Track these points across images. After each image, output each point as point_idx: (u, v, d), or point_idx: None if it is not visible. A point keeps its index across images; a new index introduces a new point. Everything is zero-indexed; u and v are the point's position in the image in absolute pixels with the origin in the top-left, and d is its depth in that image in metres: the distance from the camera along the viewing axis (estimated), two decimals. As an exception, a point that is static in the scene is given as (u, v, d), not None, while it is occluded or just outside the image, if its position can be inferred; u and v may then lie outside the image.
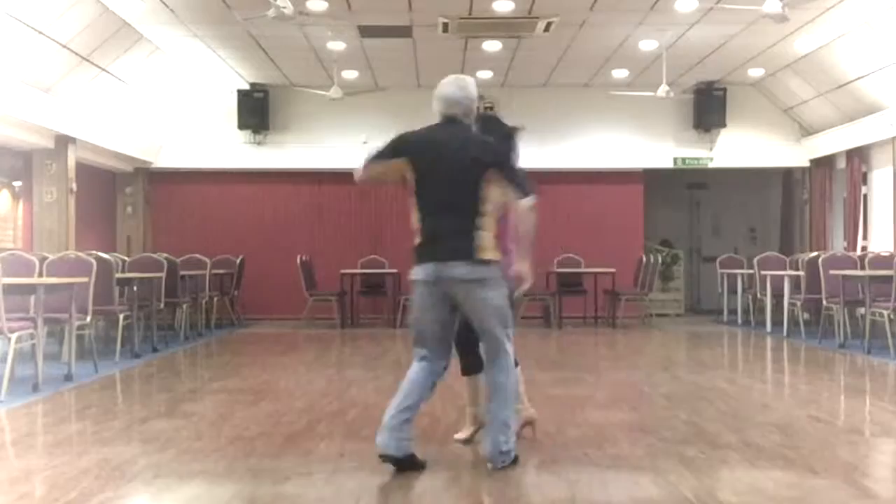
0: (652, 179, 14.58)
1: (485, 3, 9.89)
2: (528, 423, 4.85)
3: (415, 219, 4.29)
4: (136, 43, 11.22)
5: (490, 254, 4.19)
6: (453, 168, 4.21)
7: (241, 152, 14.24)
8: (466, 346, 4.56)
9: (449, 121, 4.40)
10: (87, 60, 10.70)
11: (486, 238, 4.18)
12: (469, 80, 4.49)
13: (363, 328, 12.75)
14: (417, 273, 4.27)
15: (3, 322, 6.25)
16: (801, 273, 10.77)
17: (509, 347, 4.27)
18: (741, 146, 14.27)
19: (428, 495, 3.88)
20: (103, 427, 5.30)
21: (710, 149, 14.31)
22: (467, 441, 4.75)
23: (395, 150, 4.37)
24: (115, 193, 14.36)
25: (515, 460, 4.23)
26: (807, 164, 14.27)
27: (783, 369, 8.84)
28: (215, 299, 12.28)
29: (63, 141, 11.26)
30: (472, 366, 4.68)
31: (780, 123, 14.34)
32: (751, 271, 12.54)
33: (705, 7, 9.82)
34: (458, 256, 4.16)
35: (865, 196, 12.79)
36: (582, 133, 14.03)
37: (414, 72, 13.07)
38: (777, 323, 11.51)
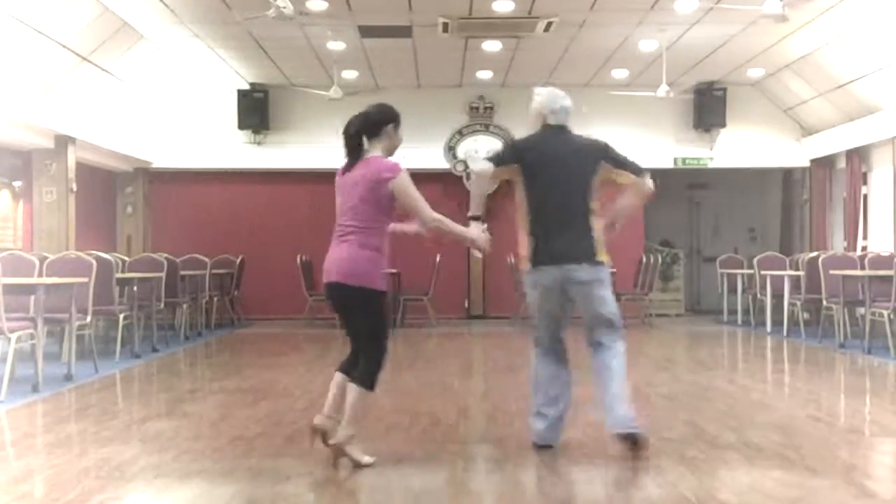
0: (652, 179, 14.54)
1: (485, 3, 9.89)
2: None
3: (525, 223, 4.57)
4: (136, 43, 11.23)
5: (603, 256, 4.49)
6: (573, 173, 4.47)
7: (241, 152, 14.23)
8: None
9: (560, 129, 4.62)
10: (87, 60, 10.70)
11: (598, 240, 4.47)
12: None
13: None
14: (539, 276, 4.51)
15: (3, 322, 6.25)
16: (801, 273, 10.77)
17: (621, 337, 4.53)
18: (741, 146, 14.27)
19: (428, 495, 3.88)
20: (103, 427, 5.30)
21: (711, 149, 14.31)
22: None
23: (513, 155, 4.61)
24: (115, 193, 14.37)
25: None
26: (807, 164, 14.27)
27: (783, 369, 8.84)
28: (215, 299, 12.27)
29: (63, 141, 11.26)
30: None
31: (780, 123, 14.34)
32: (751, 271, 12.54)
33: (705, 7, 9.82)
34: (581, 259, 4.42)
35: (865, 196, 12.79)
36: (582, 133, 13.99)
37: (414, 72, 13.08)
38: (777, 323, 11.51)
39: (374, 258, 4.24)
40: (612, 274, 4.78)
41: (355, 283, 4.22)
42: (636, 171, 4.60)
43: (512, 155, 4.62)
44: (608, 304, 4.49)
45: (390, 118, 4.41)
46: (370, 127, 4.37)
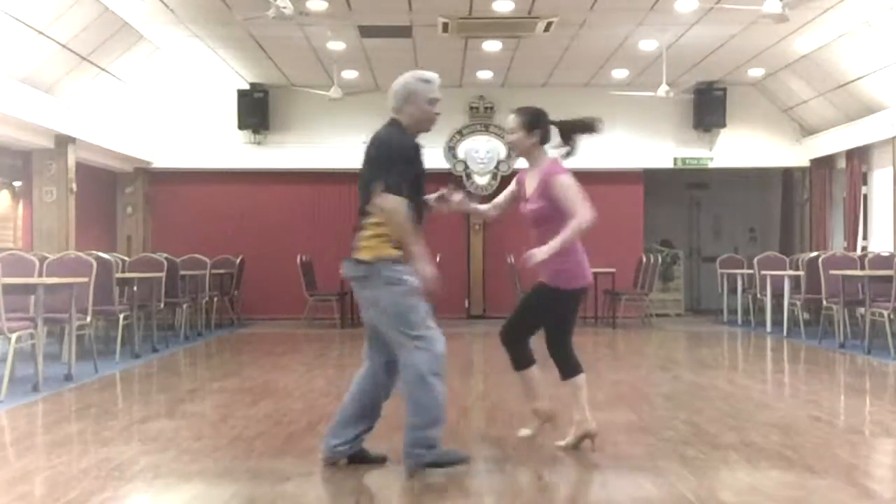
0: (652, 179, 14.58)
1: (485, 3, 9.89)
2: (587, 436, 4.60)
3: None
4: (136, 43, 11.22)
5: (364, 253, 4.11)
6: (362, 171, 4.25)
7: (241, 152, 14.23)
8: (513, 340, 4.64)
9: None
10: (87, 60, 10.70)
11: (363, 237, 4.12)
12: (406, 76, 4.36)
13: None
14: None
15: (3, 322, 6.25)
16: (801, 273, 10.77)
17: (407, 353, 4.06)
18: (741, 146, 14.28)
19: (428, 495, 3.88)
20: (103, 427, 5.30)
21: (710, 149, 14.32)
22: (570, 446, 4.59)
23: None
24: (115, 193, 14.37)
25: (434, 465, 4.08)
26: (807, 164, 14.27)
27: (783, 369, 8.84)
28: (215, 299, 12.27)
29: (63, 141, 11.26)
30: (520, 360, 4.63)
31: (780, 123, 14.34)
32: (751, 271, 12.53)
33: (705, 7, 9.82)
34: (349, 255, 4.20)
35: (865, 196, 12.80)
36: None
37: (414, 72, 13.06)
38: (777, 323, 11.51)
39: None
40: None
41: None
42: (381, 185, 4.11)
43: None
44: (369, 308, 4.18)
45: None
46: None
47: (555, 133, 4.64)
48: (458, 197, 4.51)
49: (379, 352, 4.26)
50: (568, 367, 4.57)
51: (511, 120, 4.58)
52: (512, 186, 4.74)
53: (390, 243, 4.09)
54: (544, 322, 4.61)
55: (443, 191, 4.48)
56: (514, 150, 4.63)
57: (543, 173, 4.46)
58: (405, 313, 4.06)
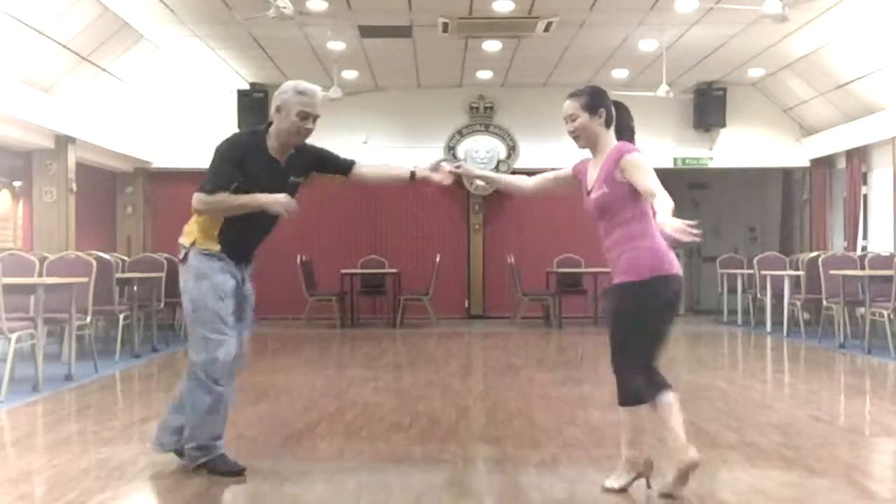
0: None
1: (485, 3, 9.89)
2: (686, 469, 3.70)
3: None
4: (136, 43, 11.22)
5: (182, 237, 4.20)
6: None
7: (241, 152, 14.21)
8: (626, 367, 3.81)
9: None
10: (87, 60, 10.70)
11: (189, 224, 4.19)
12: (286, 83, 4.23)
13: (363, 328, 12.75)
14: None
15: (3, 322, 6.26)
16: (801, 273, 10.77)
17: (191, 347, 4.11)
18: (741, 146, 14.28)
19: (428, 495, 3.88)
20: (103, 427, 5.30)
21: (710, 149, 14.32)
22: (622, 490, 3.83)
23: None
24: (115, 193, 14.37)
25: (208, 467, 4.10)
26: (807, 164, 14.27)
27: (783, 369, 8.84)
28: (215, 299, 12.25)
29: (63, 141, 11.26)
30: (633, 394, 3.75)
31: (780, 123, 14.34)
32: (751, 271, 12.53)
33: (705, 7, 9.82)
34: None
35: (865, 196, 12.79)
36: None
37: (414, 72, 13.07)
38: (777, 323, 11.51)
39: None
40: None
41: None
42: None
43: None
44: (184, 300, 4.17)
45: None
46: None
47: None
48: (452, 166, 4.31)
49: None
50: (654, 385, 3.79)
51: (568, 106, 3.92)
52: (564, 172, 4.14)
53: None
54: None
55: (438, 160, 4.36)
56: (578, 139, 3.90)
57: (610, 156, 3.82)
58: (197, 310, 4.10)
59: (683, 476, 3.69)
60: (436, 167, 4.31)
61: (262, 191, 4.06)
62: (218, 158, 4.13)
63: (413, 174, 4.33)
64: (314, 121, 4.15)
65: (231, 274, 4.14)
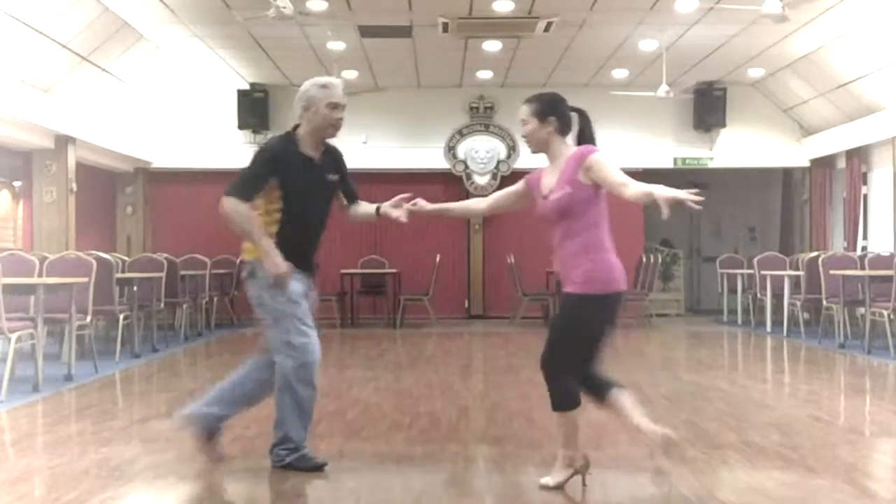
0: (652, 179, 14.45)
1: (485, 3, 9.89)
2: (660, 446, 3.80)
3: None
4: (136, 43, 11.23)
5: (245, 254, 4.24)
6: None
7: (241, 152, 14.17)
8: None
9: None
10: (87, 60, 10.70)
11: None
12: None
13: (363, 328, 12.75)
14: None
15: (3, 322, 6.25)
16: (801, 273, 10.77)
17: (278, 354, 4.17)
18: (741, 146, 14.28)
19: (428, 495, 3.88)
20: (103, 427, 5.30)
21: (711, 149, 14.32)
22: (557, 487, 3.84)
23: None
24: (115, 193, 14.37)
25: (293, 467, 4.13)
26: (807, 164, 14.27)
27: (783, 369, 8.84)
28: (215, 299, 12.27)
29: (63, 141, 11.27)
30: (566, 400, 3.79)
31: (780, 123, 14.34)
32: (751, 271, 12.53)
33: (705, 7, 9.82)
34: None
35: (865, 196, 12.80)
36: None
37: (414, 72, 13.08)
38: (777, 323, 11.51)
39: None
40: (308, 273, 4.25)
41: None
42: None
43: None
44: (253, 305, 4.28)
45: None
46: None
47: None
48: (411, 204, 4.32)
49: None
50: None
51: (522, 110, 3.95)
52: (518, 186, 4.12)
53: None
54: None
55: (398, 198, 4.39)
56: (529, 143, 3.95)
57: (572, 158, 3.80)
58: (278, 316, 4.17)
59: (663, 453, 3.83)
60: (397, 204, 4.37)
61: (304, 191, 4.18)
62: (254, 164, 4.22)
63: (378, 210, 4.42)
64: (343, 110, 4.25)
65: (297, 278, 4.20)
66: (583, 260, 3.76)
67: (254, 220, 4.10)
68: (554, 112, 3.90)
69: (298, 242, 4.23)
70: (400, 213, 4.33)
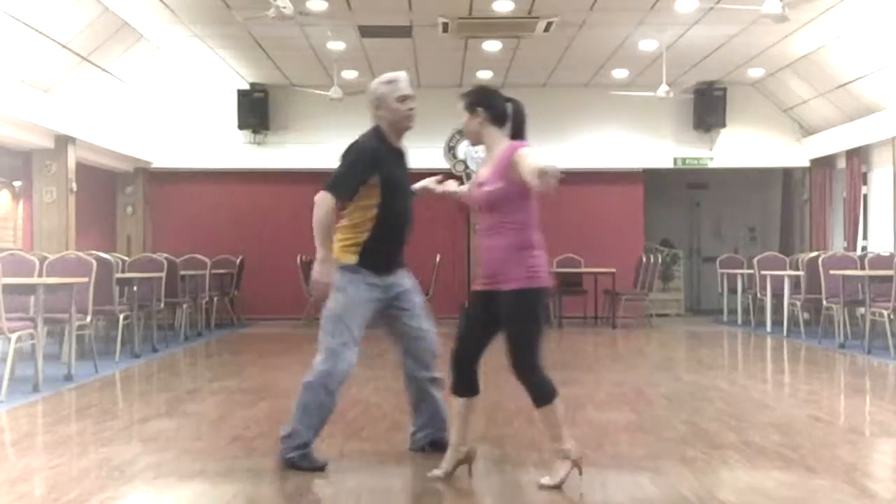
0: (652, 179, 14.58)
1: (485, 3, 9.89)
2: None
3: None
4: (136, 43, 11.23)
5: (343, 257, 4.26)
6: None
7: (241, 152, 14.24)
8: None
9: None
10: (87, 60, 10.70)
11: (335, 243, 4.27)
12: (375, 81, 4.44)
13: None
14: None
15: (3, 322, 6.25)
16: (801, 273, 10.77)
17: (319, 352, 4.23)
18: (741, 146, 14.28)
19: (428, 495, 3.88)
20: (103, 427, 5.29)
21: (711, 149, 14.32)
22: (557, 486, 3.86)
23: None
24: (115, 193, 14.37)
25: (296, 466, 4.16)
26: (807, 164, 14.27)
27: (783, 369, 8.84)
28: (215, 299, 12.27)
29: (63, 141, 11.26)
30: (546, 392, 3.94)
31: (780, 123, 14.34)
32: (751, 271, 12.53)
33: (705, 7, 9.82)
34: None
35: (865, 196, 12.80)
36: (582, 133, 14.02)
37: (414, 72, 13.07)
38: (777, 323, 11.52)
39: None
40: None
41: None
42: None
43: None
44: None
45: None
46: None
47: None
48: (442, 187, 4.55)
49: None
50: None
51: (458, 106, 4.05)
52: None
53: (350, 249, 4.24)
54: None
55: (431, 180, 4.59)
56: (465, 136, 4.13)
57: (504, 152, 3.87)
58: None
59: (452, 463, 4.06)
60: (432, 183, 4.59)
61: (399, 184, 4.29)
62: (355, 165, 4.25)
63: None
64: (413, 100, 4.35)
65: (370, 285, 4.24)
66: (519, 257, 3.85)
67: (330, 226, 4.16)
68: (480, 103, 3.99)
69: (392, 237, 4.29)
70: (436, 188, 4.54)
